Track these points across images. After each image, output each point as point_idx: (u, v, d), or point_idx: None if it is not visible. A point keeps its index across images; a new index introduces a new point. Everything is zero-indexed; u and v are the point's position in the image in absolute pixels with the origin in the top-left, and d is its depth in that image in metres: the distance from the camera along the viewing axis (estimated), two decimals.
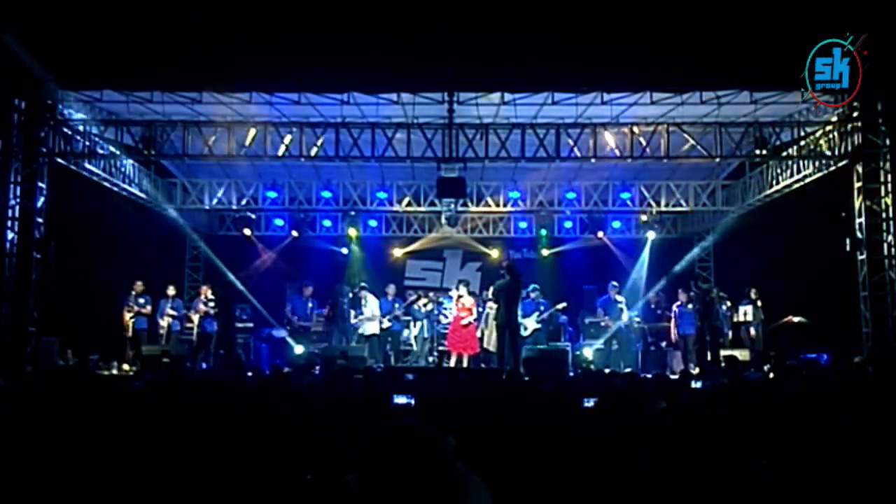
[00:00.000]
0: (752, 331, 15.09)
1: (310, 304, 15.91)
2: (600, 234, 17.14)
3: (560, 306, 15.65)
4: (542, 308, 15.29)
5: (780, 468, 3.36)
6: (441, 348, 15.22)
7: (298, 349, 14.77)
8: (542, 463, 3.41)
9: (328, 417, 4.37)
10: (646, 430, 3.61)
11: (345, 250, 18.15)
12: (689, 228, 18.81)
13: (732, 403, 5.02)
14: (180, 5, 10.74)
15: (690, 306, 14.61)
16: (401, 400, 4.54)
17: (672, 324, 14.98)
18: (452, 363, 14.22)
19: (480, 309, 14.83)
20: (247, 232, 16.84)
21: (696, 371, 12.71)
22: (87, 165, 13.60)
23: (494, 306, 13.53)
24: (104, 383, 7.59)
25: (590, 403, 4.98)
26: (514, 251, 18.72)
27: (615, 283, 15.66)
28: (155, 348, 13.88)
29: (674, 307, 15.20)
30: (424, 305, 15.79)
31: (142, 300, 14.61)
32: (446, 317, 15.55)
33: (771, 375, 10.88)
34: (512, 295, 13.10)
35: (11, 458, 3.51)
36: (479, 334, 14.57)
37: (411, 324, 15.75)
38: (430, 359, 15.43)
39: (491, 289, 13.95)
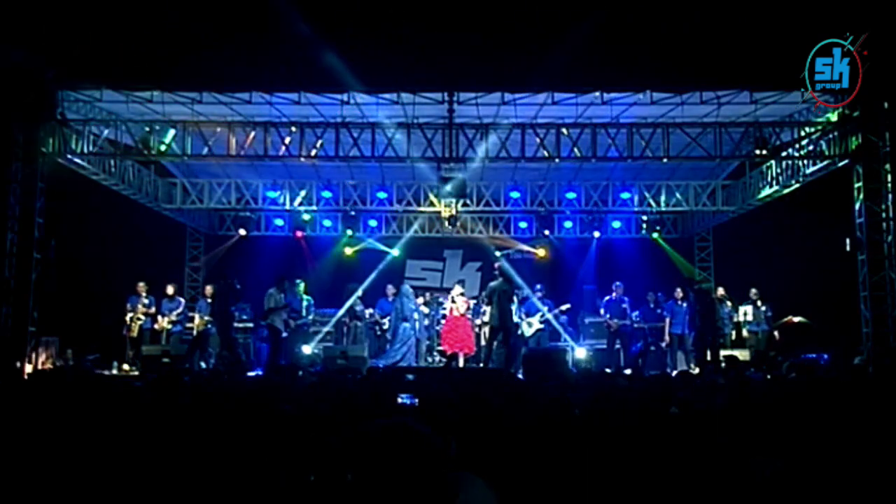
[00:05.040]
0: (752, 331, 15.11)
1: (305, 303, 15.82)
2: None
3: (564, 307, 15.69)
4: (546, 308, 15.31)
5: (779, 468, 3.36)
6: (440, 348, 15.21)
7: (306, 349, 14.76)
8: (543, 463, 3.41)
9: (331, 417, 4.37)
10: (649, 431, 3.62)
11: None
12: (689, 228, 18.85)
13: (735, 404, 5.02)
14: (180, 5, 10.73)
15: (684, 305, 14.63)
16: (404, 400, 4.55)
17: (667, 322, 14.99)
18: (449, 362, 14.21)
19: (471, 312, 14.91)
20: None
21: (695, 371, 12.72)
22: (87, 165, 13.59)
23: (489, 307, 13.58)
24: (101, 384, 7.58)
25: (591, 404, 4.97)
26: (513, 251, 18.73)
27: (619, 283, 15.65)
28: (155, 348, 13.87)
29: (666, 305, 15.21)
30: (424, 304, 15.80)
31: (146, 301, 14.60)
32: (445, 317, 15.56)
33: (769, 376, 10.88)
34: (506, 296, 13.10)
35: (11, 459, 3.51)
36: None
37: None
38: (430, 359, 15.43)
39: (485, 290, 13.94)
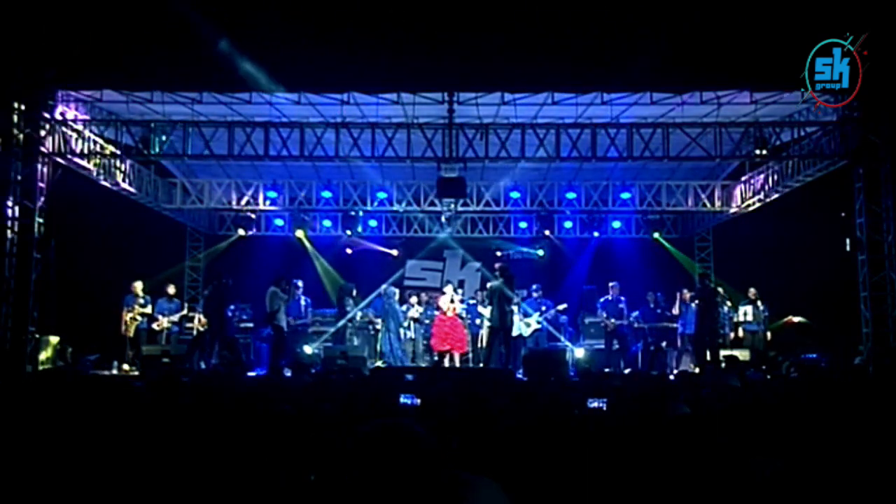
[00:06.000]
0: (750, 331, 15.09)
1: (303, 303, 15.81)
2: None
3: (561, 307, 15.71)
4: (544, 308, 15.30)
5: (779, 468, 3.36)
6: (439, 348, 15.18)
7: (307, 349, 14.76)
8: (546, 463, 3.40)
9: (331, 417, 4.37)
10: (655, 432, 3.61)
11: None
12: (689, 228, 18.85)
13: (735, 404, 5.01)
14: (180, 5, 10.72)
15: (693, 305, 14.56)
16: (406, 400, 4.56)
17: (678, 322, 14.95)
18: (445, 362, 14.19)
19: (465, 312, 14.92)
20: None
21: (696, 371, 12.71)
22: (87, 165, 13.59)
23: (489, 307, 13.58)
24: (98, 384, 7.58)
25: (594, 404, 4.98)
26: (513, 252, 18.73)
27: (615, 283, 15.64)
28: (155, 348, 13.85)
29: (677, 305, 15.16)
30: (419, 304, 15.79)
31: (142, 300, 14.58)
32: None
33: (769, 377, 10.88)
34: (505, 296, 13.13)
35: (11, 459, 3.51)
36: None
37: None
38: (428, 358, 15.42)
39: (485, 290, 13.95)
